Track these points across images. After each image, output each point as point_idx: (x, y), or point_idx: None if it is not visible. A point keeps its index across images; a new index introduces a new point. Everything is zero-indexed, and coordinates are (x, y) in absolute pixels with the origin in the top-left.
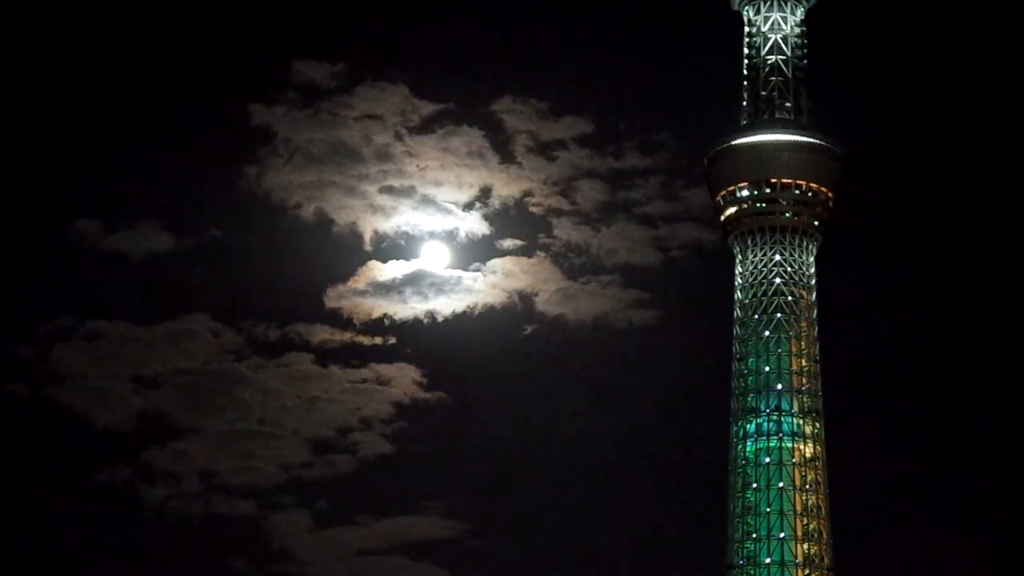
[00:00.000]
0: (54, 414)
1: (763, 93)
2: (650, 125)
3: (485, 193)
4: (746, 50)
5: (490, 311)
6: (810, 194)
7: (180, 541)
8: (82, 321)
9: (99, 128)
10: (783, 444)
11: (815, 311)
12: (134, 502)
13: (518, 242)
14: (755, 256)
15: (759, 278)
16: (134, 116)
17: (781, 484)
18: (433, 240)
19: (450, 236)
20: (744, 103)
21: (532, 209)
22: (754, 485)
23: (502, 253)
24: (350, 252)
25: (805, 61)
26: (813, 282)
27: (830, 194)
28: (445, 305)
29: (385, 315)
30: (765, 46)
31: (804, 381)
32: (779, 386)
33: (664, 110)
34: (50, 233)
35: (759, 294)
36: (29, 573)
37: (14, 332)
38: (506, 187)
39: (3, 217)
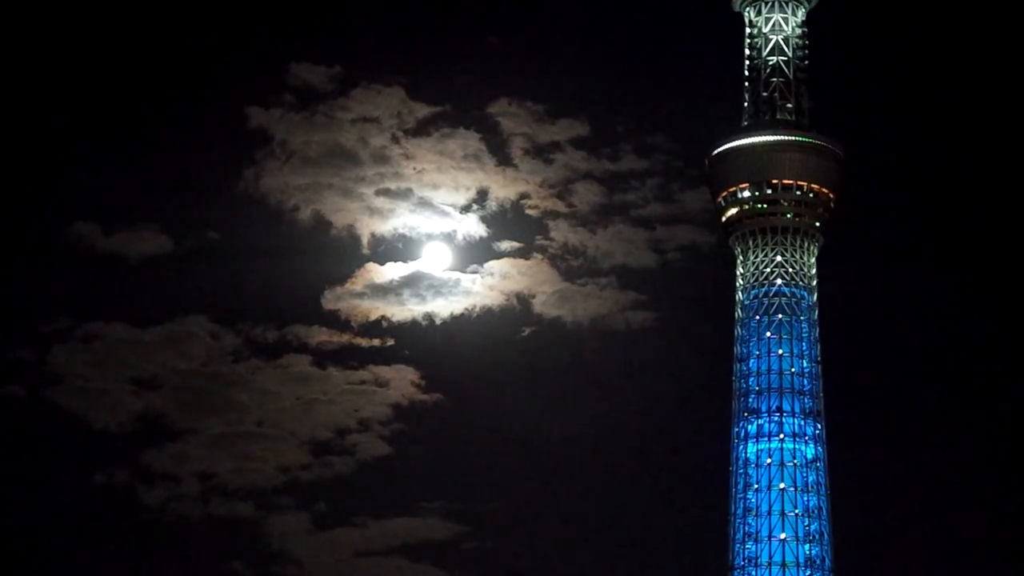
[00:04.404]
0: (52, 416)
1: (764, 94)
2: (646, 127)
3: (482, 195)
4: (747, 51)
5: (488, 313)
6: (811, 195)
7: (179, 543)
8: (80, 323)
9: (97, 130)
10: (784, 445)
11: (816, 312)
12: (133, 504)
13: (515, 244)
14: (756, 257)
15: (760, 279)
16: (132, 118)
17: (782, 485)
18: (430, 242)
19: (447, 238)
20: (745, 104)
21: (529, 211)
22: (755, 486)
23: (499, 255)
24: (348, 254)
25: (806, 62)
26: (814, 283)
27: (831, 195)
28: (443, 307)
29: (383, 317)
30: (766, 47)
31: (805, 382)
32: (780, 387)
33: (660, 112)
34: (48, 235)
35: (760, 295)
36: (29, 573)
37: (12, 333)
38: (503, 189)
39: (2, 218)
